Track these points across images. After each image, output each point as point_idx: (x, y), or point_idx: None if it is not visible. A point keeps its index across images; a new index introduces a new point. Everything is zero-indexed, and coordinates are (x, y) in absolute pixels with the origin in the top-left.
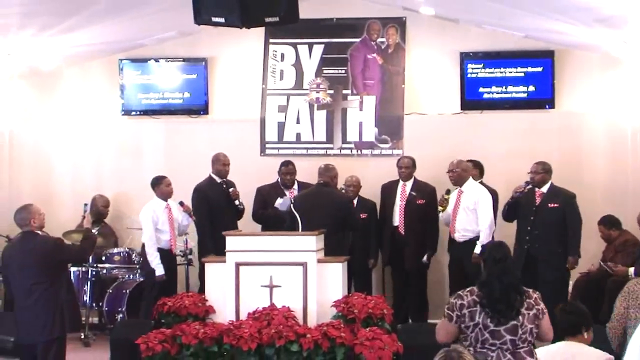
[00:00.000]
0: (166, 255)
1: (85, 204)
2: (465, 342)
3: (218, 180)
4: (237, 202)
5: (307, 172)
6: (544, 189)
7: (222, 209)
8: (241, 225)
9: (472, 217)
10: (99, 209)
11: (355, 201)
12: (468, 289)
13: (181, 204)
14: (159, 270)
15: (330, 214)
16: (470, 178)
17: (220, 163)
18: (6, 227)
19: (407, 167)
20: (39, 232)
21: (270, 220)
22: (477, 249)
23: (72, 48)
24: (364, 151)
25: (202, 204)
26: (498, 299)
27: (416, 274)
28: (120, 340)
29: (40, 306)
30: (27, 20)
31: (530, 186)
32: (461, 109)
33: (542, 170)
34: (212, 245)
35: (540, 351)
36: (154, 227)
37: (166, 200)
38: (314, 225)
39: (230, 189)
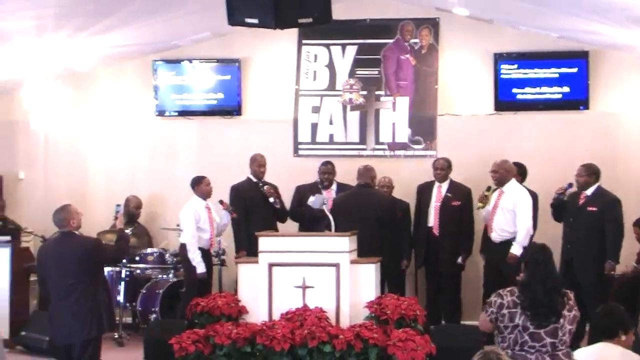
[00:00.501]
0: (205, 254)
1: (118, 205)
2: (503, 344)
3: (254, 180)
4: (271, 200)
5: (340, 173)
6: (589, 191)
7: (258, 208)
8: (282, 225)
9: (510, 218)
10: (130, 210)
11: None
12: (509, 288)
13: (221, 202)
14: (200, 268)
15: (373, 214)
16: (513, 179)
17: (256, 164)
18: (42, 227)
19: (443, 169)
20: (76, 232)
21: (305, 218)
22: (515, 249)
23: (107, 49)
24: (397, 152)
25: (238, 203)
26: (540, 302)
27: (450, 275)
28: (153, 340)
29: (78, 306)
30: (63, 21)
31: (570, 188)
32: (494, 110)
33: (585, 173)
34: (246, 244)
35: (577, 353)
36: (195, 225)
37: (205, 200)
38: (356, 227)
39: (265, 187)
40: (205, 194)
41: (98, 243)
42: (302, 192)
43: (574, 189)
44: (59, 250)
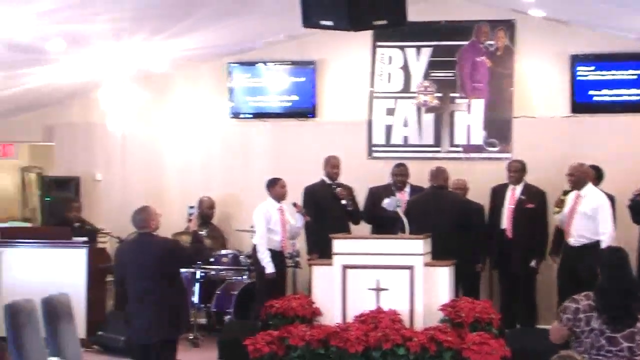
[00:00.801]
0: (277, 256)
1: (191, 207)
2: (579, 348)
3: (328, 181)
4: (343, 202)
5: (414, 175)
6: None
7: (330, 210)
8: (355, 226)
9: (590, 223)
10: (204, 211)
11: None
12: (583, 293)
13: (294, 204)
14: (269, 268)
15: (448, 216)
16: (590, 183)
17: (330, 165)
18: (118, 228)
19: (517, 171)
20: (154, 233)
21: (378, 219)
22: None
23: (182, 52)
24: (472, 154)
25: (310, 204)
26: (616, 306)
27: (524, 278)
28: (228, 341)
29: (157, 307)
30: (139, 24)
31: None
32: (571, 112)
33: None
34: (319, 246)
35: None
36: (266, 226)
37: (279, 202)
38: (431, 229)
39: (337, 189)
40: (280, 196)
41: (177, 244)
42: (376, 194)
43: None
44: (139, 251)
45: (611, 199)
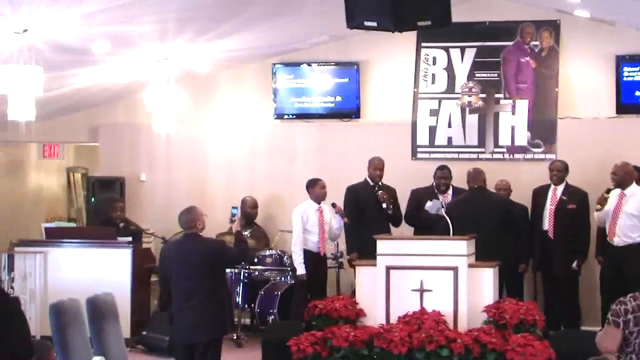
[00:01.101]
0: (314, 257)
1: (234, 208)
2: (627, 349)
3: (371, 183)
4: (384, 206)
5: (459, 176)
6: None
7: (371, 211)
8: (398, 228)
9: (637, 223)
10: (247, 211)
11: None
12: (630, 295)
13: (333, 205)
14: (300, 270)
15: (491, 217)
16: (634, 183)
17: (372, 167)
18: (162, 229)
19: (559, 171)
20: (200, 234)
21: (421, 222)
22: None
23: (227, 52)
24: (517, 155)
25: (351, 204)
26: None
27: (566, 279)
28: (271, 342)
29: (202, 307)
30: (184, 25)
31: None
32: (616, 113)
33: None
34: (358, 247)
35: None
36: (302, 227)
37: (319, 203)
38: (474, 230)
39: (379, 192)
40: (319, 197)
41: (223, 245)
42: (418, 196)
43: None
44: (186, 251)
45: None
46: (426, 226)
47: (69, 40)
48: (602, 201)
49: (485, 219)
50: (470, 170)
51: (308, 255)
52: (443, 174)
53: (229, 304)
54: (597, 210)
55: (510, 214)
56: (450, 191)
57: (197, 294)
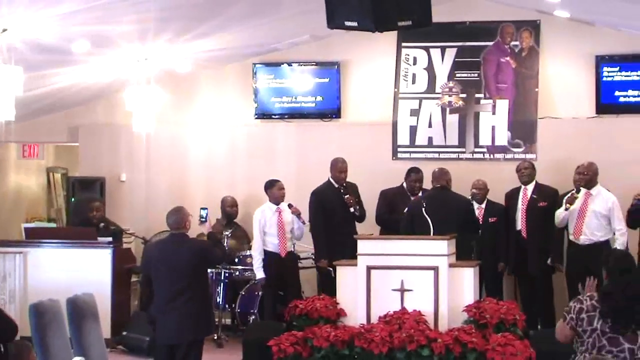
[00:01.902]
0: (276, 258)
1: (203, 209)
2: (581, 347)
3: (336, 185)
4: (352, 210)
5: None
6: None
7: (339, 214)
8: (361, 228)
9: (603, 222)
10: (227, 210)
11: (483, 205)
12: (588, 294)
13: (289, 206)
14: (259, 274)
15: (453, 216)
16: (598, 183)
17: (337, 170)
18: (143, 228)
19: (527, 169)
20: (187, 234)
21: (394, 225)
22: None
23: (207, 52)
24: (497, 155)
25: (317, 208)
26: (621, 311)
27: (542, 279)
28: (252, 342)
29: (189, 307)
30: (164, 25)
31: None
32: (596, 113)
33: None
34: (325, 251)
35: None
36: (261, 229)
37: (278, 204)
38: (438, 229)
39: (346, 196)
40: (277, 199)
41: (210, 245)
42: (389, 197)
43: None
44: (172, 251)
45: None
46: (395, 227)
47: (49, 40)
48: (573, 200)
49: (444, 218)
50: (435, 169)
51: (270, 256)
52: (418, 177)
53: (210, 305)
54: (565, 209)
55: (470, 214)
56: (421, 193)
57: (183, 294)
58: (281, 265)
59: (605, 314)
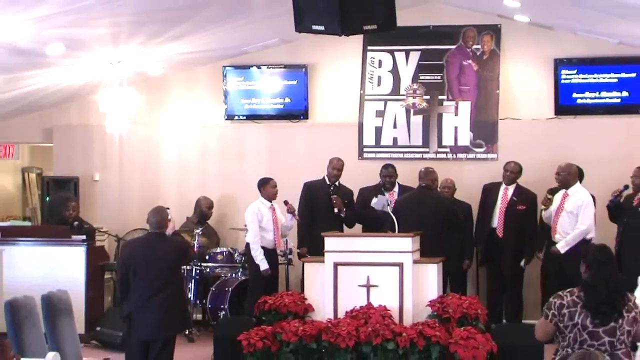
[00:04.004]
0: (271, 254)
1: (167, 208)
2: (563, 342)
3: (328, 182)
4: (336, 210)
5: (403, 175)
6: None
7: (323, 210)
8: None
9: (574, 220)
10: (202, 210)
11: None
12: (568, 289)
13: (285, 202)
14: (263, 265)
15: (434, 215)
16: (577, 182)
17: (331, 166)
18: (116, 227)
19: (514, 172)
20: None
21: (369, 219)
22: (560, 245)
23: (178, 55)
24: (459, 155)
25: (305, 200)
26: (603, 302)
27: (512, 275)
28: (223, 337)
29: (168, 304)
30: (136, 29)
31: (626, 190)
32: (555, 114)
33: None
34: (308, 242)
35: None
36: (258, 225)
37: (271, 201)
38: (418, 227)
39: (332, 196)
40: (271, 196)
41: (189, 244)
42: (366, 194)
43: (630, 190)
44: (152, 249)
45: (592, 198)
46: (371, 223)
47: (24, 42)
48: (546, 202)
49: (428, 217)
50: (422, 169)
51: (265, 252)
52: (388, 173)
53: (186, 301)
54: (542, 210)
55: (453, 213)
56: (396, 188)
57: (162, 291)
58: (274, 260)
59: (588, 306)
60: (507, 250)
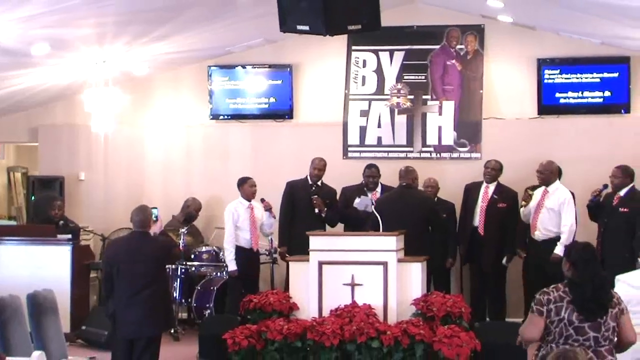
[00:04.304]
0: (247, 253)
1: (155, 208)
2: (548, 337)
3: (310, 182)
4: (316, 211)
5: (388, 174)
6: (622, 192)
7: (304, 210)
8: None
9: (555, 217)
10: (190, 212)
11: None
12: (553, 285)
13: (262, 200)
14: (232, 266)
15: (415, 214)
16: (557, 180)
17: (312, 166)
18: (101, 226)
19: (494, 170)
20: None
21: (350, 219)
22: (558, 249)
23: (163, 55)
24: (443, 154)
25: (287, 198)
26: (589, 299)
27: (495, 273)
28: (208, 335)
29: (152, 303)
30: (122, 29)
31: (605, 189)
32: (538, 114)
33: (621, 175)
34: (288, 242)
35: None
36: (233, 224)
37: (250, 200)
38: (399, 226)
39: (313, 197)
40: (249, 195)
41: (173, 243)
42: (348, 194)
43: (610, 190)
44: (136, 248)
45: (572, 195)
46: (353, 223)
47: (9, 42)
48: (527, 198)
49: (409, 216)
50: (402, 168)
51: (241, 251)
52: (371, 173)
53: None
54: (522, 207)
55: (435, 212)
56: (379, 188)
57: (146, 289)
58: (251, 260)
59: (575, 304)
60: (489, 248)
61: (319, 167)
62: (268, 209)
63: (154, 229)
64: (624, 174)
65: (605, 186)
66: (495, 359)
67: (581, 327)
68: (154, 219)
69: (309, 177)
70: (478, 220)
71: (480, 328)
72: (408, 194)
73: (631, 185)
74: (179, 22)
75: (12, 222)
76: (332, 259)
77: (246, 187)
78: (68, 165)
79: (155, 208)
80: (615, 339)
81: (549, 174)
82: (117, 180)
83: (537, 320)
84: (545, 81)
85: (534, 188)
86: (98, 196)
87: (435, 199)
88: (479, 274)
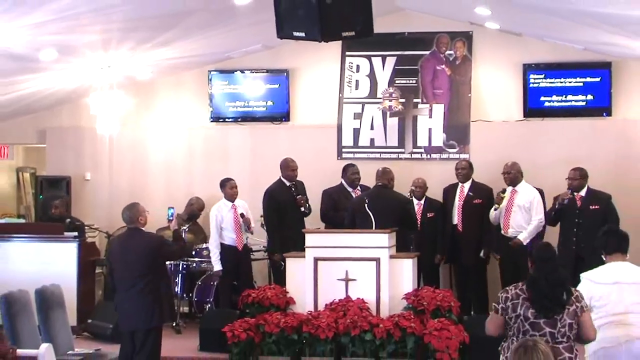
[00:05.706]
0: (233, 251)
1: (171, 208)
2: (509, 332)
3: (287, 183)
4: (302, 210)
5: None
6: (582, 192)
7: (291, 212)
8: (307, 224)
9: (526, 215)
10: (194, 211)
11: (422, 201)
12: (513, 284)
13: (242, 215)
14: (217, 266)
15: (391, 213)
16: (523, 180)
17: (289, 169)
18: (106, 224)
19: (464, 169)
20: (142, 229)
21: (338, 221)
22: (522, 236)
23: (166, 60)
24: (433, 155)
25: (270, 206)
26: (545, 296)
27: (476, 270)
28: (208, 328)
29: (142, 297)
30: (126, 35)
31: (572, 194)
32: (524, 117)
33: (580, 176)
34: (279, 243)
35: (590, 274)
36: (218, 226)
37: (232, 201)
38: (378, 224)
39: (298, 196)
40: (230, 196)
41: (162, 240)
42: (333, 196)
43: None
44: (127, 245)
45: (540, 192)
46: (338, 224)
47: (18, 48)
48: (500, 200)
49: (383, 214)
50: (379, 169)
51: (227, 250)
52: (355, 170)
53: (170, 295)
54: (494, 209)
55: (408, 212)
56: (359, 190)
57: (137, 284)
58: (237, 258)
59: (533, 300)
60: (468, 244)
61: (294, 167)
62: (247, 224)
63: (172, 226)
64: (583, 175)
65: (572, 190)
66: (482, 351)
67: (537, 323)
68: (169, 218)
69: (284, 179)
70: (456, 218)
71: (469, 321)
72: (383, 194)
73: (586, 185)
74: (181, 29)
75: (21, 220)
76: (327, 255)
77: (227, 189)
78: (74, 165)
79: (172, 208)
80: (573, 335)
81: (516, 173)
82: (121, 180)
83: (495, 317)
84: (531, 85)
85: (504, 191)
86: (103, 195)
87: (424, 197)
88: (461, 270)
